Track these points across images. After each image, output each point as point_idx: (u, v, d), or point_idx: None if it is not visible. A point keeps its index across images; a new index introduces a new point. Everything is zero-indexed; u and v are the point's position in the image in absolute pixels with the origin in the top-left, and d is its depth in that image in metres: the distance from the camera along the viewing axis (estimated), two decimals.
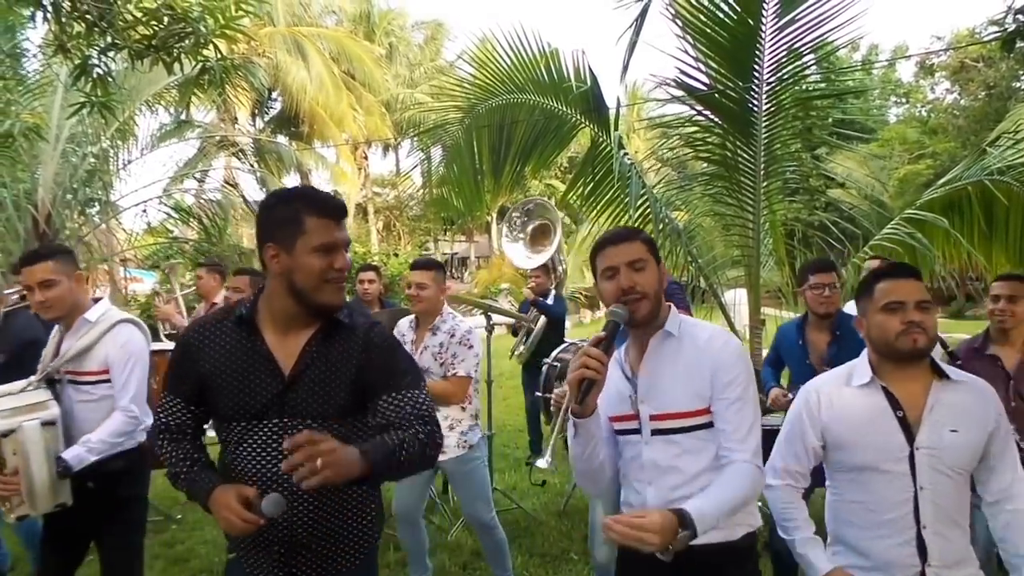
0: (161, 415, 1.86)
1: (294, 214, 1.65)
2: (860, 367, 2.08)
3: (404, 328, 3.71)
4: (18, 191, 6.88)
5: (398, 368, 1.77)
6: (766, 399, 3.72)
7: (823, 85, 6.51)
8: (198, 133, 10.83)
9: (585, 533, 4.48)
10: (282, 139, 24.64)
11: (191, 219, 8.31)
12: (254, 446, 1.70)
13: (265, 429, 1.69)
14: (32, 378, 2.67)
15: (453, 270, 36.55)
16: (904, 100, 25.36)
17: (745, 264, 5.71)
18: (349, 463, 1.49)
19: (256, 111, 23.81)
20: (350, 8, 26.50)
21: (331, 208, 1.69)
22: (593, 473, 1.97)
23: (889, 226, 5.71)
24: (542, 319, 6.19)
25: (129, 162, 8.14)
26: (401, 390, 1.73)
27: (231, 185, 9.86)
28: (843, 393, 2.07)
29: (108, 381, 2.69)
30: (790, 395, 3.55)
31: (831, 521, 2.15)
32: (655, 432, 1.92)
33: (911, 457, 1.94)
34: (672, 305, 2.03)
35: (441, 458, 3.46)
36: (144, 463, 2.81)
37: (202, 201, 8.64)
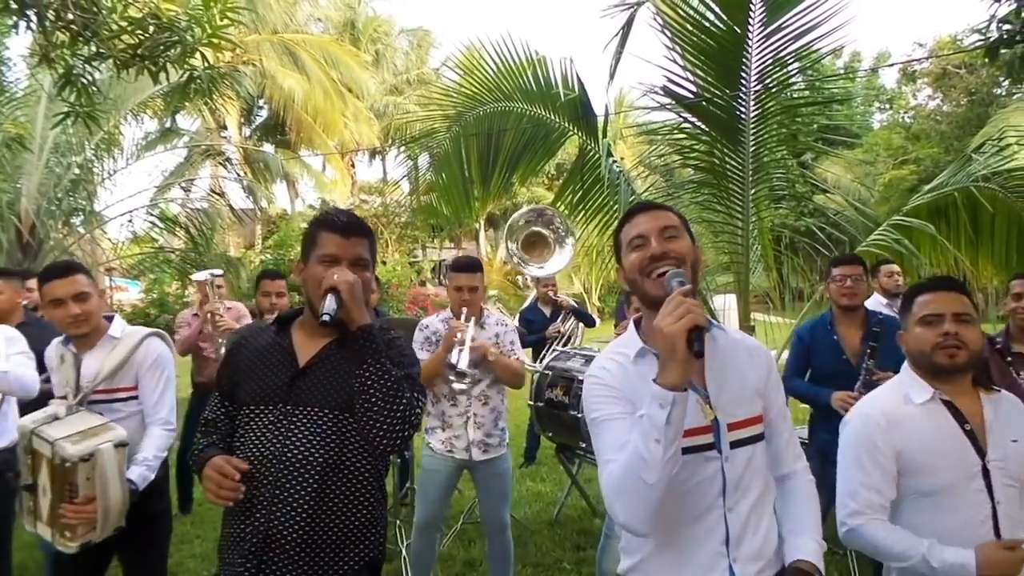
0: (208, 407, 1.99)
1: (313, 231, 1.86)
2: (914, 384, 1.99)
3: (437, 326, 3.60)
4: (1, 202, 6.79)
5: (409, 361, 1.92)
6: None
7: (808, 92, 6.57)
8: (184, 142, 10.76)
9: (578, 543, 4.47)
10: (269, 147, 24.54)
11: (177, 228, 8.24)
12: (259, 429, 1.80)
13: (272, 414, 1.80)
14: (62, 402, 2.59)
15: (441, 277, 36.48)
16: (887, 106, 25.64)
17: (734, 270, 5.73)
18: (360, 291, 1.75)
19: (243, 119, 23.68)
20: (335, 16, 26.46)
21: (338, 224, 1.82)
22: (661, 488, 1.45)
23: (876, 232, 5.75)
24: (581, 326, 6.25)
25: (114, 172, 8.06)
26: (407, 376, 1.84)
27: (217, 194, 9.76)
28: (907, 412, 1.96)
29: (135, 397, 2.69)
30: (856, 391, 3.33)
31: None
32: (734, 444, 1.60)
33: (984, 472, 1.87)
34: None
35: (484, 457, 3.47)
36: (167, 476, 2.82)
37: (188, 210, 8.56)
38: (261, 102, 22.84)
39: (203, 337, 4.96)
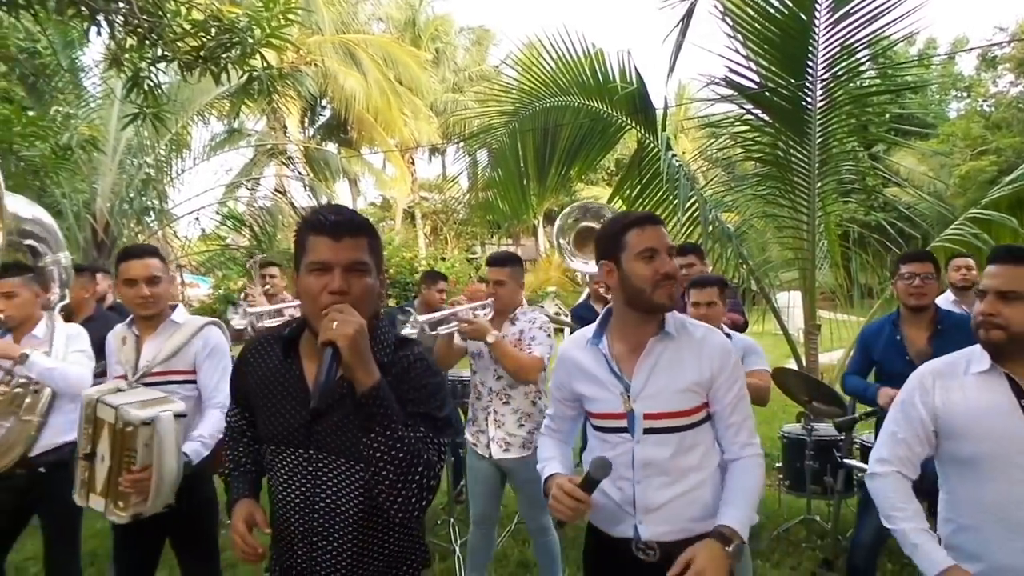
0: (227, 415, 1.93)
1: (301, 236, 1.57)
2: (978, 354, 1.93)
3: (480, 311, 3.52)
4: (78, 201, 7.09)
5: (427, 393, 1.62)
6: (873, 403, 3.48)
7: (879, 81, 6.29)
8: (247, 142, 11.03)
9: None
10: (331, 146, 25.03)
11: (242, 226, 8.47)
12: (282, 472, 1.66)
13: (292, 458, 1.64)
14: (117, 380, 2.67)
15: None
16: (965, 94, 24.47)
17: (799, 267, 5.54)
18: (364, 343, 1.43)
19: (305, 119, 24.22)
20: (396, 15, 26.79)
21: (326, 225, 1.52)
22: None
23: (953, 226, 5.47)
24: None
25: (182, 171, 8.33)
26: (424, 416, 1.59)
27: (280, 192, 9.98)
28: (961, 379, 1.94)
29: (193, 382, 2.76)
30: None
31: (943, 523, 1.99)
32: (648, 431, 1.89)
33: None
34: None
35: (505, 456, 3.39)
36: (211, 467, 2.83)
37: (252, 208, 8.78)
38: (324, 102, 23.31)
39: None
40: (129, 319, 2.78)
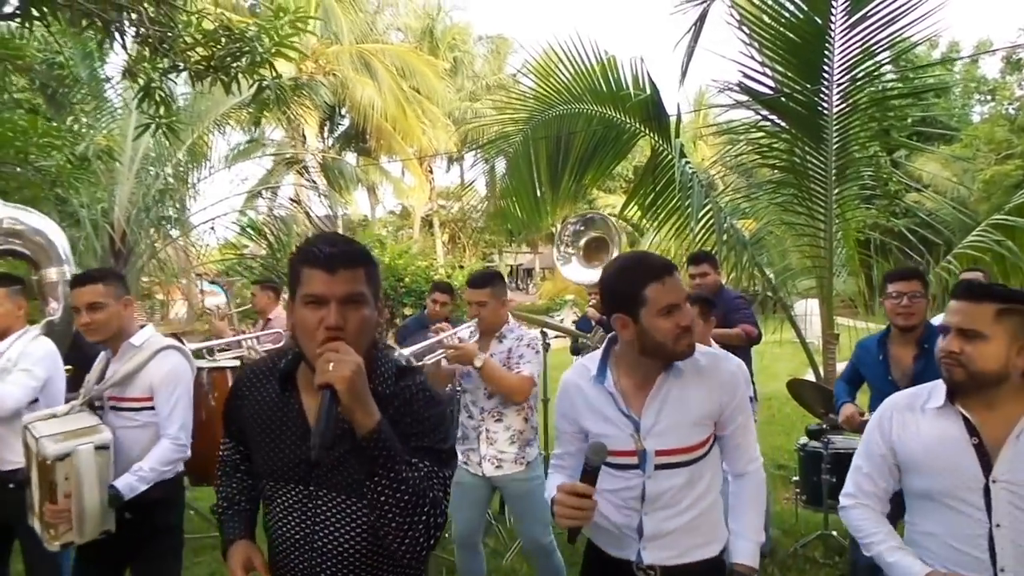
0: (220, 448, 1.85)
1: (294, 267, 1.51)
2: (937, 388, 1.91)
3: (464, 334, 3.50)
4: (96, 211, 7.15)
5: (430, 426, 1.57)
6: (835, 416, 3.46)
7: (899, 84, 6.18)
8: (262, 151, 11.11)
9: None
10: (350, 155, 25.19)
11: (256, 235, 8.51)
12: (281, 509, 1.61)
13: (291, 494, 1.59)
14: (74, 402, 2.65)
15: (518, 281, 36.59)
16: (989, 98, 24.09)
17: (817, 275, 5.43)
18: (362, 384, 1.38)
19: (323, 128, 24.40)
20: (415, 24, 26.96)
21: (320, 257, 1.46)
22: None
23: (975, 232, 5.34)
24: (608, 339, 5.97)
25: (197, 181, 8.40)
26: (428, 450, 1.55)
27: (295, 201, 10.04)
28: (917, 414, 1.94)
29: (151, 408, 2.65)
30: (866, 415, 3.27)
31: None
32: (659, 467, 1.90)
33: (986, 490, 1.76)
34: None
35: (497, 473, 3.35)
36: (180, 492, 2.79)
37: (266, 218, 8.83)
38: (343, 111, 23.47)
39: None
40: None
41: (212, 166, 8.86)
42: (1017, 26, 26.38)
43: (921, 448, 1.88)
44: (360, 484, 1.46)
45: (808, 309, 7.04)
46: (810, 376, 5.48)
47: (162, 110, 4.38)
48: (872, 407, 3.38)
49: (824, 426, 4.05)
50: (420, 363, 3.32)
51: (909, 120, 6.11)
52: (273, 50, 4.03)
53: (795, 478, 4.33)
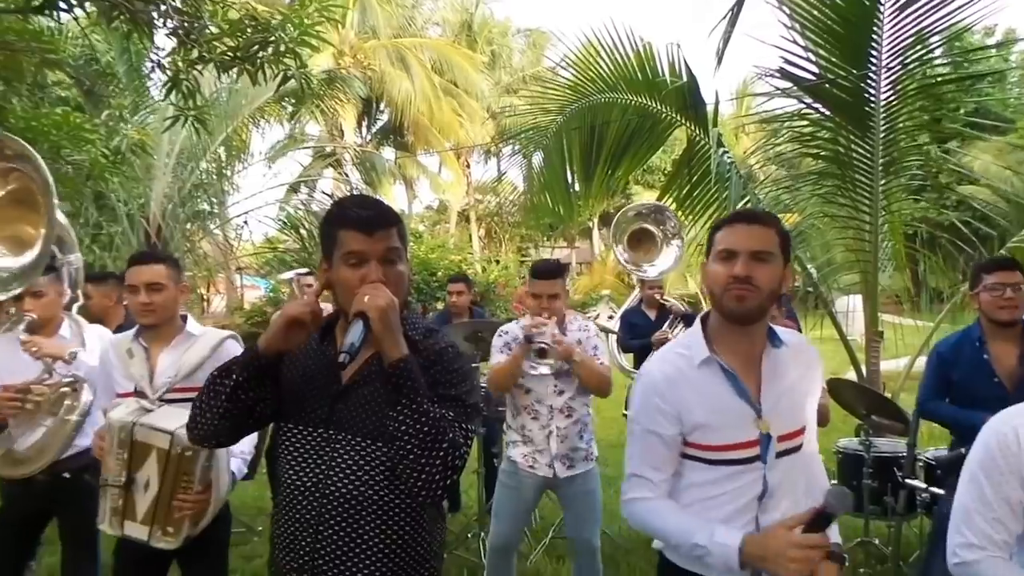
0: None
1: (330, 229, 1.62)
2: None
3: (517, 331, 3.36)
4: (133, 205, 7.24)
5: (459, 377, 1.64)
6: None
7: (950, 70, 5.88)
8: (299, 146, 11.16)
9: None
10: (388, 150, 25.30)
11: (290, 230, 8.55)
12: (299, 455, 1.64)
13: (311, 438, 1.63)
14: (131, 398, 2.52)
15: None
16: None
17: (861, 269, 5.20)
18: (395, 317, 1.49)
19: (361, 122, 24.53)
20: (452, 18, 26.93)
21: (359, 220, 1.57)
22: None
23: None
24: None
25: (232, 175, 8.45)
26: (454, 400, 1.60)
27: (328, 195, 10.07)
28: None
29: None
30: None
31: None
32: (780, 454, 1.70)
33: None
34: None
35: (570, 473, 3.25)
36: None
37: (302, 212, 8.86)
38: (381, 105, 23.56)
39: None
40: (136, 329, 2.63)
41: (246, 161, 8.93)
42: None
43: None
44: (380, 427, 1.54)
45: (850, 305, 6.78)
46: (851, 375, 5.25)
47: (190, 102, 4.40)
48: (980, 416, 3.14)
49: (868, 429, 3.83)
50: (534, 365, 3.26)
51: (961, 110, 5.77)
52: (299, 39, 3.99)
53: (833, 482, 4.12)
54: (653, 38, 5.40)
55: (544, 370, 3.25)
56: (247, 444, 2.58)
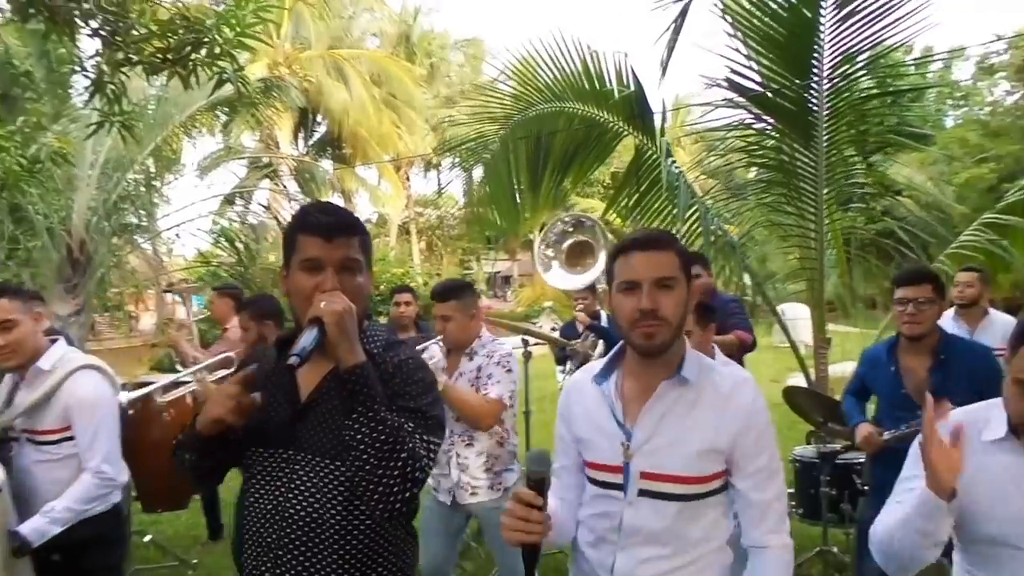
0: None
1: (291, 235, 1.56)
2: (996, 416, 1.60)
3: (437, 352, 3.34)
4: (53, 218, 6.80)
5: (421, 388, 1.57)
6: (852, 435, 3.23)
7: (880, 84, 6.05)
8: (234, 156, 10.79)
9: None
10: (326, 162, 24.84)
11: (224, 242, 8.19)
12: (259, 476, 1.57)
13: (272, 460, 1.56)
14: None
15: (496, 289, 36.34)
16: (962, 102, 24.34)
17: (807, 277, 5.26)
18: (351, 324, 1.43)
19: (297, 134, 24.03)
20: (390, 29, 26.71)
21: (319, 225, 1.51)
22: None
23: (968, 231, 5.22)
24: (600, 345, 5.73)
25: (160, 186, 8.07)
26: (415, 412, 1.53)
27: (264, 207, 9.75)
28: (975, 447, 1.57)
29: (71, 438, 2.34)
30: (885, 434, 3.04)
31: None
32: (643, 493, 1.59)
33: None
34: (687, 340, 1.69)
35: (472, 501, 3.12)
36: (120, 528, 2.50)
37: (235, 224, 8.52)
38: (318, 117, 23.14)
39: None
40: None
41: (180, 172, 8.55)
42: (991, 32, 26.66)
43: (982, 487, 1.54)
44: (339, 446, 1.47)
45: (792, 313, 6.88)
46: (798, 381, 5.30)
47: (116, 107, 4.12)
48: (882, 422, 3.16)
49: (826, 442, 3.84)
50: None
51: (884, 124, 5.93)
52: (235, 41, 3.78)
53: (790, 490, 4.12)
54: (600, 47, 5.35)
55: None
56: (66, 500, 2.28)
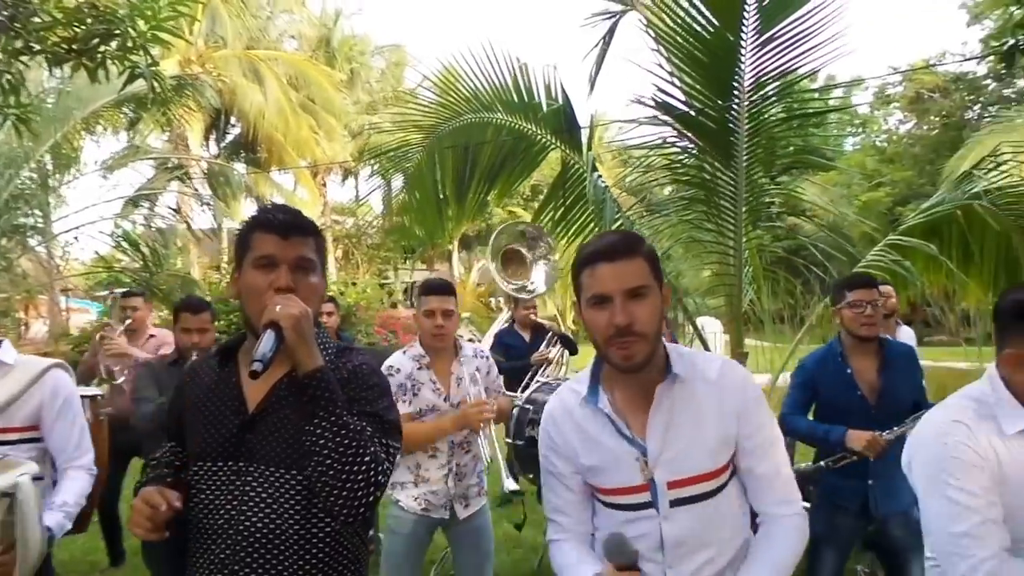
0: (161, 452, 1.68)
1: (244, 235, 1.57)
2: (1007, 409, 1.60)
3: (408, 366, 3.07)
4: None
5: (377, 393, 1.58)
6: (792, 449, 3.30)
7: (784, 109, 6.32)
8: (142, 156, 10.26)
9: None
10: (240, 165, 24.00)
11: (130, 247, 7.74)
12: (207, 491, 1.52)
13: (221, 473, 1.52)
14: None
15: (413, 299, 35.98)
16: (861, 130, 25.89)
17: (725, 292, 5.40)
18: (308, 327, 1.41)
19: (209, 135, 23.11)
20: (310, 33, 26.11)
21: (274, 222, 1.52)
22: None
23: (873, 251, 5.48)
24: (566, 353, 5.72)
25: (58, 185, 7.57)
26: (373, 416, 1.53)
27: (174, 210, 9.29)
28: (995, 442, 1.57)
29: (32, 440, 2.30)
30: (886, 435, 3.01)
31: None
32: (675, 503, 1.55)
33: None
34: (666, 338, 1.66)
35: (467, 512, 3.04)
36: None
37: (142, 228, 8.08)
38: (233, 120, 22.34)
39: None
40: None
41: (80, 171, 8.04)
42: (887, 64, 28.50)
43: (1014, 485, 1.54)
44: (294, 454, 1.45)
45: (711, 328, 7.07)
46: None
47: (12, 99, 3.82)
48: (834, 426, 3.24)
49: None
50: None
51: (790, 146, 6.21)
52: (149, 34, 3.56)
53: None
54: (529, 60, 5.38)
55: (424, 402, 3.03)
56: (71, 495, 2.29)
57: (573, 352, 5.85)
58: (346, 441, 1.39)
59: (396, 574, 3.01)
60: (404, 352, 3.13)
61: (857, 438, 3.06)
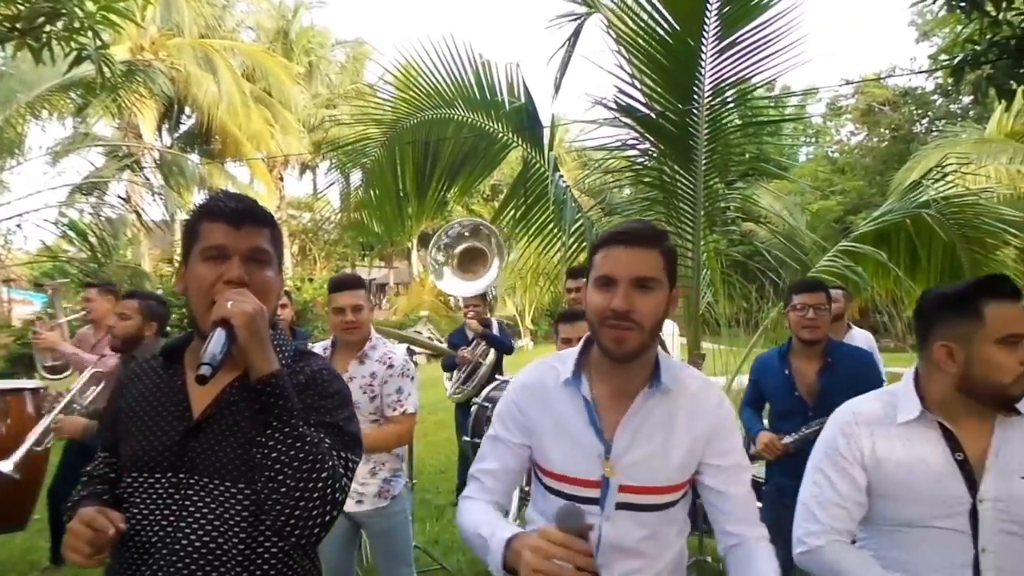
0: (92, 465, 1.55)
1: (192, 225, 1.41)
2: (905, 398, 1.67)
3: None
4: None
5: (337, 402, 1.45)
6: (751, 446, 3.34)
7: (741, 116, 6.43)
8: (91, 143, 9.93)
9: None
10: (194, 156, 23.44)
11: (76, 236, 7.48)
12: (142, 505, 1.36)
13: (158, 485, 1.36)
14: None
15: (371, 296, 35.67)
16: (814, 140, 26.54)
17: (684, 295, 5.45)
18: (263, 326, 1.29)
19: (162, 125, 22.53)
20: (268, 23, 25.67)
21: (226, 211, 1.36)
22: None
23: (826, 258, 5.60)
24: (492, 353, 5.69)
25: (3, 170, 7.27)
26: (331, 427, 1.40)
27: (123, 199, 9.00)
28: (888, 429, 1.66)
29: None
30: (786, 439, 3.16)
31: None
32: (621, 506, 1.50)
33: (972, 511, 1.57)
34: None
35: (358, 509, 2.98)
36: None
37: (89, 217, 7.80)
38: (188, 110, 21.81)
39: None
40: None
41: (24, 157, 7.73)
42: (840, 76, 29.23)
43: (899, 469, 1.63)
44: (241, 467, 1.33)
45: (671, 330, 7.13)
46: None
47: None
48: (775, 426, 3.31)
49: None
50: None
51: (745, 154, 6.32)
52: (98, 15, 3.43)
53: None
54: (492, 57, 5.34)
55: None
56: None
57: (505, 351, 5.82)
58: (301, 455, 1.27)
59: (322, 556, 2.99)
60: (321, 343, 3.16)
61: (760, 439, 3.22)
